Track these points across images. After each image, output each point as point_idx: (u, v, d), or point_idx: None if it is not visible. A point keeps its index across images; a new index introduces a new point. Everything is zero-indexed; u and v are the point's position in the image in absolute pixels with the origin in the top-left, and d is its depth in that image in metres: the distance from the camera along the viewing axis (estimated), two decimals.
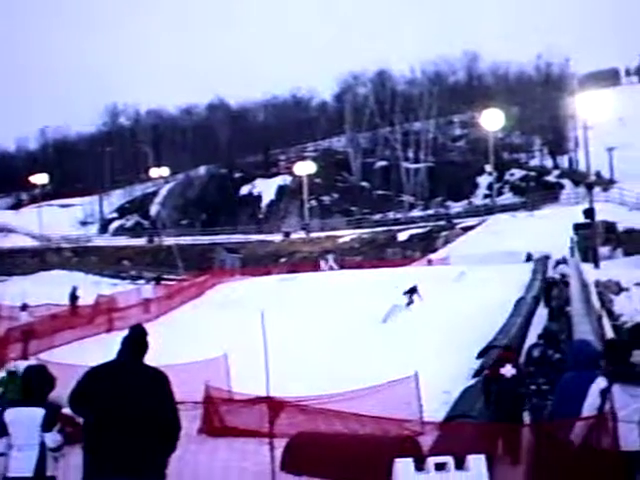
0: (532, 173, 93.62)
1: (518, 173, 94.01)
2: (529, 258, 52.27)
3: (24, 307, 33.14)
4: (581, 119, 58.17)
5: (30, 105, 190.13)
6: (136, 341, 7.33)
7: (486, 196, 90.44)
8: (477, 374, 18.53)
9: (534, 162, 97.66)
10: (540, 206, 76.51)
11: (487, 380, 14.45)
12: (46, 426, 7.72)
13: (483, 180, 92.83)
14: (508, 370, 13.53)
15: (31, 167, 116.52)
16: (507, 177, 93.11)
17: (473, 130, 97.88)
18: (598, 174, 75.08)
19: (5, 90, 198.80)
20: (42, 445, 7.73)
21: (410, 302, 35.01)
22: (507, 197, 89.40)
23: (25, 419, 7.85)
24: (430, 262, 59.61)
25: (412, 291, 35.80)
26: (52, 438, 7.64)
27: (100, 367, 7.28)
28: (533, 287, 36.28)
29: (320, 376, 21.16)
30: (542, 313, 29.14)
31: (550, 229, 56.82)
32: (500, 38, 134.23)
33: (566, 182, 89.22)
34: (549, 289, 32.02)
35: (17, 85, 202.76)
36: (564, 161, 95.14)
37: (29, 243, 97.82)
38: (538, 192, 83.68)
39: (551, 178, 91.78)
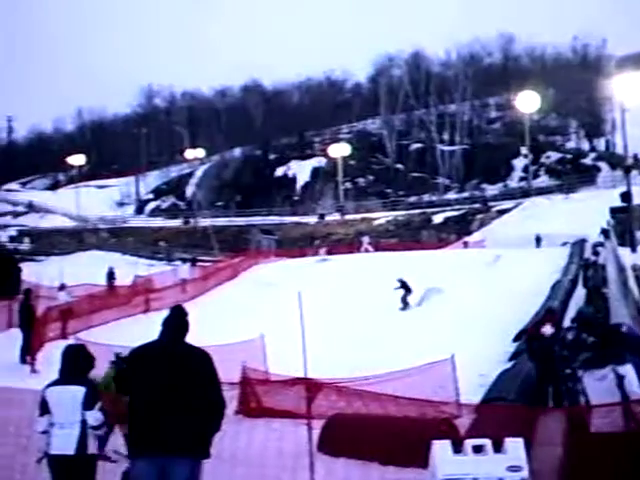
0: (568, 156, 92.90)
1: (554, 156, 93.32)
2: (538, 241, 52.62)
3: (62, 287, 33.40)
4: (618, 101, 57.62)
5: (67, 87, 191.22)
6: (177, 321, 7.40)
7: (522, 179, 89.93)
8: (513, 357, 18.52)
9: (570, 145, 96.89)
10: (576, 189, 76.00)
11: (529, 338, 16.14)
12: (87, 404, 7.80)
13: (519, 163, 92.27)
14: (548, 329, 14.74)
15: (68, 148, 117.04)
16: (543, 160, 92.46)
17: (509, 112, 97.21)
18: (635, 157, 74.31)
19: (42, 72, 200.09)
20: (83, 423, 7.81)
21: (405, 305, 32.97)
22: (543, 180, 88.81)
23: (67, 397, 7.94)
24: (466, 245, 59.41)
25: (405, 288, 33.33)
26: (94, 416, 7.72)
27: (143, 347, 7.35)
28: (570, 270, 36.11)
29: (356, 358, 21.24)
30: (580, 295, 29.04)
31: (586, 212, 56.44)
32: (536, 19, 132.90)
33: (603, 165, 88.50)
34: (586, 270, 32.10)
35: (54, 66, 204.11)
36: (601, 144, 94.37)
37: (66, 224, 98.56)
38: (574, 175, 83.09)
39: (587, 161, 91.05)
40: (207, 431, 7.12)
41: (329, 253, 55.83)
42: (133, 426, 7.07)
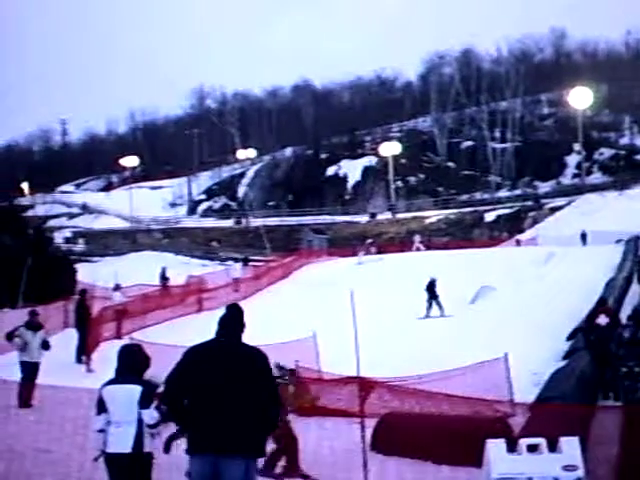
0: (622, 152, 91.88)
1: (607, 152, 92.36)
2: (584, 237, 52.24)
3: (117, 287, 33.76)
4: None
5: (119, 89, 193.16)
6: (234, 320, 7.43)
7: (575, 176, 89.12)
8: (567, 356, 18.37)
9: (624, 141, 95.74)
10: (630, 186, 75.05)
11: (586, 331, 16.96)
12: (144, 403, 7.87)
13: (572, 159, 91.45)
14: (602, 319, 15.60)
15: (121, 150, 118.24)
16: (596, 156, 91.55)
17: (561, 109, 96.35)
18: None
19: (94, 74, 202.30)
20: (140, 422, 7.88)
21: (430, 305, 31.26)
22: (596, 176, 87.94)
23: (123, 396, 8.01)
24: (519, 243, 59.02)
25: (432, 290, 31.66)
26: (150, 415, 7.77)
27: (200, 346, 7.40)
28: (624, 268, 35.72)
29: (408, 356, 21.19)
30: (634, 292, 28.74)
31: None
32: (588, 14, 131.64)
33: None
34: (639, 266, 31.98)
35: (106, 69, 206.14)
36: None
37: (120, 225, 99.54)
38: (628, 171, 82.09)
39: None
40: (261, 430, 7.15)
41: (380, 252, 55.76)
42: (190, 424, 7.13)
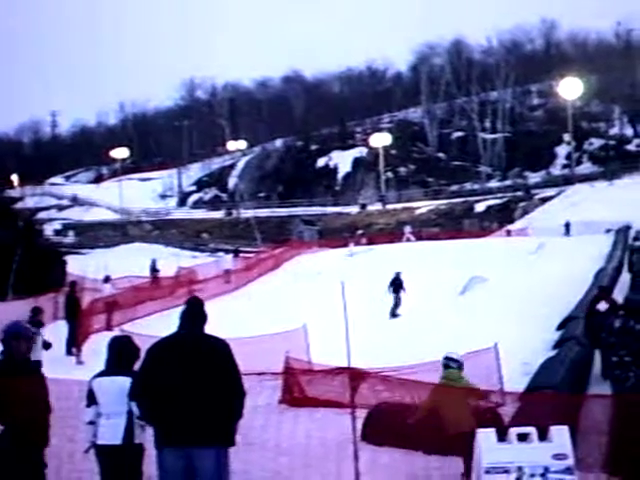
0: (611, 142, 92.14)
1: (597, 142, 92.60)
2: (567, 227, 52.37)
3: (107, 279, 33.73)
4: None
5: (109, 81, 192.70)
6: (194, 313, 7.46)
7: (565, 166, 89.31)
8: (557, 345, 18.42)
9: (613, 131, 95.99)
10: (620, 176, 75.24)
11: (587, 316, 17.72)
12: (133, 394, 7.87)
13: (561, 150, 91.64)
14: (602, 305, 16.54)
15: (111, 142, 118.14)
16: (586, 146, 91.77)
17: (551, 99, 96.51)
18: None
19: (84, 66, 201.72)
20: (130, 413, 7.88)
21: (397, 304, 29.83)
22: (586, 167, 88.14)
23: (113, 388, 8.02)
24: (509, 233, 59.12)
25: (397, 284, 30.30)
26: None
27: (163, 340, 7.44)
28: (614, 258, 35.81)
29: (399, 347, 21.22)
30: (624, 282, 28.84)
31: (630, 199, 55.86)
32: (578, 5, 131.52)
33: None
34: (631, 255, 32.17)
35: (96, 61, 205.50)
36: None
37: (110, 216, 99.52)
38: (618, 161, 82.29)
39: (631, 147, 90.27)
40: (229, 419, 7.18)
41: (370, 243, 55.76)
42: (157, 417, 7.15)
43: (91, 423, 8.16)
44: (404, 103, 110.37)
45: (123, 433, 7.89)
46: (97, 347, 15.09)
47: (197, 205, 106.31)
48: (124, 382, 7.92)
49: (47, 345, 17.16)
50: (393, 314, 29.21)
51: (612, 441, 10.04)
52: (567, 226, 53.27)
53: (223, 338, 7.44)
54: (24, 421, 6.71)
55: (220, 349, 7.26)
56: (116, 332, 19.97)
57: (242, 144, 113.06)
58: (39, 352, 16.92)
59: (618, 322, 13.33)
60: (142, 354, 8.44)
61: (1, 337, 7.05)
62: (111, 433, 7.93)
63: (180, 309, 7.63)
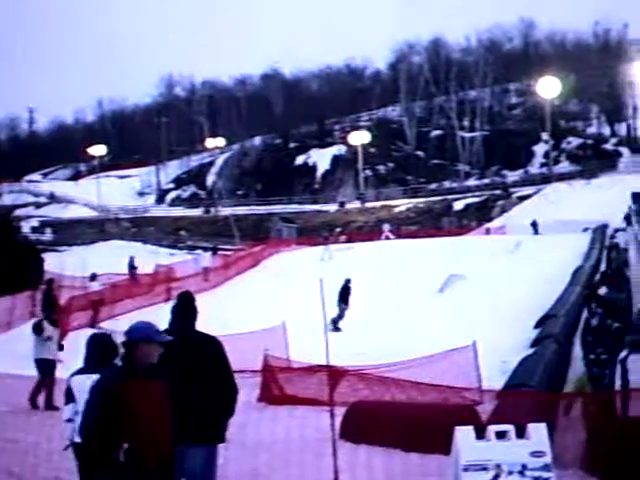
0: (589, 141, 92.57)
1: (575, 141, 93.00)
2: (534, 226, 52.56)
3: (93, 277, 33.59)
4: (639, 86, 57.26)
5: (87, 77, 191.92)
6: (185, 309, 7.42)
7: (542, 165, 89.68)
8: (535, 343, 18.51)
9: (591, 130, 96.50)
10: (597, 174, 75.67)
11: (587, 299, 18.34)
12: None
13: (539, 149, 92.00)
14: (603, 290, 17.35)
15: (89, 138, 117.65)
16: (564, 145, 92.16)
17: (529, 98, 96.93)
18: None
19: (62, 62, 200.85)
20: None
21: (340, 317, 26.92)
22: (564, 166, 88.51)
23: (89, 386, 8.00)
24: (489, 231, 59.33)
25: (344, 294, 27.61)
26: None
27: None
28: (591, 256, 36.02)
29: (377, 345, 21.26)
30: None
31: (608, 198, 56.21)
32: (557, 4, 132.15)
33: (624, 150, 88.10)
34: (609, 253, 32.42)
35: (74, 57, 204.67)
36: (622, 129, 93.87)
37: (88, 214, 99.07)
38: (595, 160, 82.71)
39: (609, 146, 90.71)
40: (221, 416, 7.16)
41: (349, 241, 55.81)
42: None
43: (69, 421, 8.14)
44: (383, 101, 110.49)
45: None
46: (76, 345, 15.01)
47: (175, 202, 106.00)
48: None
49: (61, 346, 16.97)
50: (334, 326, 25.63)
51: (589, 439, 10.10)
52: (534, 225, 53.36)
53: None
54: (153, 437, 6.00)
55: (212, 346, 7.25)
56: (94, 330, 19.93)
57: (221, 142, 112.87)
58: (56, 349, 16.72)
59: (595, 320, 13.43)
60: (120, 352, 8.43)
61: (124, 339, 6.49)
62: None
63: (159, 306, 7.61)
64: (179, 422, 6.82)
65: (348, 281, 28.13)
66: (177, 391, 6.92)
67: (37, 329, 16.80)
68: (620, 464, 9.19)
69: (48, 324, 17.01)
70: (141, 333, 6.19)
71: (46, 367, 16.00)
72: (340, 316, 26.76)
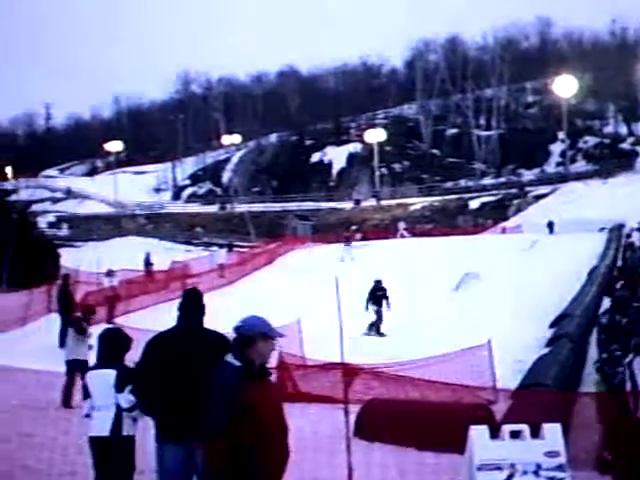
0: (606, 140, 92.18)
1: (592, 140, 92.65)
2: (550, 227, 52.30)
3: (109, 273, 33.67)
4: None
5: (104, 74, 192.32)
6: (192, 305, 7.38)
7: (559, 164, 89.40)
8: (550, 343, 18.45)
9: (608, 129, 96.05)
10: (614, 174, 75.37)
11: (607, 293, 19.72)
12: (118, 387, 7.88)
13: (556, 148, 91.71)
14: (620, 284, 18.22)
15: (106, 135, 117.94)
16: (580, 144, 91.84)
17: (546, 97, 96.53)
18: None
19: (79, 59, 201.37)
20: (118, 405, 7.91)
21: (379, 320, 25.64)
22: (580, 165, 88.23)
23: (100, 381, 8.06)
24: (504, 230, 59.17)
25: (379, 294, 26.39)
26: (125, 398, 7.78)
27: (160, 335, 7.37)
28: (607, 256, 35.89)
29: (393, 343, 21.26)
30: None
31: (624, 197, 55.99)
32: (574, 2, 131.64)
33: None
34: (624, 251, 32.35)
35: (91, 54, 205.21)
36: (639, 128, 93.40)
37: (104, 210, 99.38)
38: (612, 160, 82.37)
39: (625, 145, 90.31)
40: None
41: (364, 239, 55.80)
42: (158, 412, 7.13)
43: (87, 416, 8.21)
44: (399, 99, 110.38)
45: (111, 425, 7.91)
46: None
47: (191, 199, 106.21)
48: (110, 374, 7.97)
49: (90, 346, 16.78)
50: (377, 331, 25.28)
51: (603, 439, 10.08)
52: (550, 226, 53.12)
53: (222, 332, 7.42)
54: (279, 442, 5.78)
55: (220, 343, 7.23)
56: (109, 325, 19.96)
57: (237, 138, 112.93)
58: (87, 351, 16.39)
59: (605, 319, 13.37)
60: (134, 347, 8.46)
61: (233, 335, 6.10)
62: (101, 425, 7.98)
63: (174, 303, 7.59)
64: (189, 419, 6.84)
65: (379, 282, 26.85)
66: (185, 388, 6.93)
67: (80, 329, 16.47)
68: (634, 465, 9.17)
69: (87, 324, 16.84)
70: (259, 328, 5.84)
71: (79, 367, 15.57)
72: (379, 319, 25.58)
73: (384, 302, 26.08)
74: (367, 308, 25.90)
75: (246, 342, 5.69)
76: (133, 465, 8.14)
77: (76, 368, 15.57)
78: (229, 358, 5.77)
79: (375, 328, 25.21)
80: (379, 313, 25.83)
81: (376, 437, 11.71)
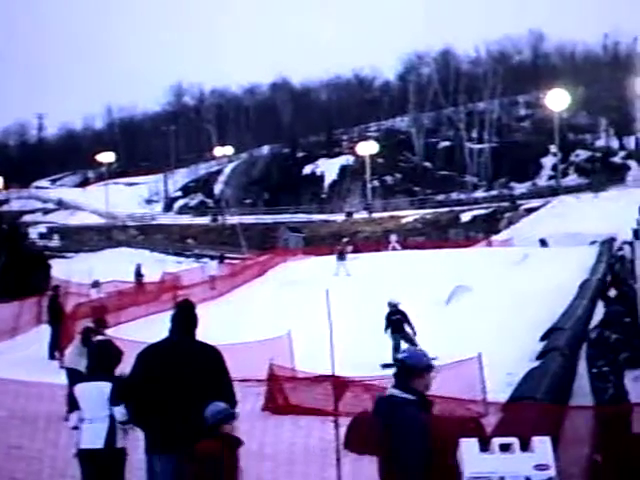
0: (598, 154, 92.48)
1: (583, 154, 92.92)
2: (543, 243, 52.37)
3: (95, 284, 33.59)
4: None
5: (96, 84, 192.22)
6: (185, 317, 7.38)
7: (550, 177, 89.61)
8: (541, 356, 18.46)
9: (600, 143, 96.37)
10: (605, 188, 75.48)
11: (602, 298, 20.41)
12: (113, 399, 7.87)
13: (548, 161, 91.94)
14: (612, 292, 19.26)
15: (98, 146, 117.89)
16: (572, 158, 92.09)
17: (538, 110, 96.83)
18: None
19: (71, 69, 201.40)
20: (111, 418, 7.89)
21: (397, 346, 21.47)
22: (572, 178, 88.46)
23: (94, 393, 8.04)
24: (490, 244, 59.20)
25: (396, 319, 22.76)
26: (120, 411, 7.78)
27: (153, 346, 7.37)
28: (598, 269, 35.92)
29: (383, 356, 21.23)
30: (609, 293, 28.91)
31: (616, 211, 56.08)
32: (566, 17, 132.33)
33: (632, 163, 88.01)
34: (613, 264, 32.44)
35: (83, 64, 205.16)
36: (630, 142, 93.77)
37: (95, 221, 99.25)
38: (604, 173, 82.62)
39: (617, 159, 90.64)
40: None
41: (356, 251, 55.80)
42: (148, 424, 7.11)
43: (75, 428, 8.18)
44: (391, 112, 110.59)
45: (105, 437, 7.90)
46: None
47: (183, 211, 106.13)
48: (104, 387, 7.95)
49: None
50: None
51: (593, 452, 10.09)
52: (543, 242, 53.21)
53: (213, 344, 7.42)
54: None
55: (212, 356, 7.23)
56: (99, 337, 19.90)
57: (229, 150, 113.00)
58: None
59: (594, 333, 13.39)
60: (125, 359, 8.45)
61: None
62: (93, 437, 7.96)
63: (165, 314, 7.60)
64: (179, 431, 6.83)
65: (394, 306, 23.30)
66: (176, 400, 6.92)
67: (86, 341, 16.06)
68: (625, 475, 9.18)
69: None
70: (426, 361, 6.09)
71: (76, 378, 15.60)
72: (396, 349, 21.51)
73: (406, 327, 22.66)
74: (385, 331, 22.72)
75: (413, 374, 5.93)
76: (123, 477, 8.13)
77: (77, 378, 15.49)
78: (394, 391, 5.91)
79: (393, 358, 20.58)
80: (404, 340, 22.05)
81: (366, 450, 11.69)
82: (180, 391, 6.95)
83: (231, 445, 6.87)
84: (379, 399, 6.16)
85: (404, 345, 21.06)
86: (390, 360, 20.32)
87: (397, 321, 22.72)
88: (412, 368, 5.87)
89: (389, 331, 22.53)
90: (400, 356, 6.05)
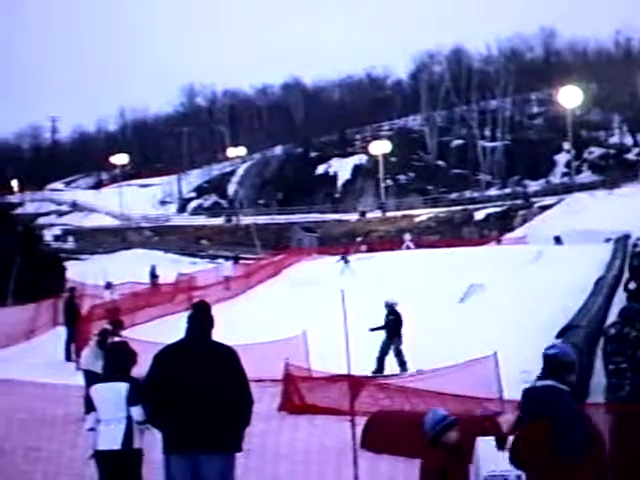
0: (611, 151, 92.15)
1: (597, 151, 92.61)
2: (558, 241, 52.05)
3: (108, 286, 33.66)
4: None
5: (109, 87, 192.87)
6: (201, 318, 7.42)
7: (564, 174, 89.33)
8: None
9: (613, 140, 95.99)
10: (620, 184, 75.16)
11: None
12: (132, 400, 7.90)
13: (561, 158, 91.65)
14: (632, 285, 17.25)
15: (111, 148, 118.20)
16: (586, 155, 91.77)
17: (551, 108, 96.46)
18: None
19: (85, 72, 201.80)
20: (129, 419, 7.92)
21: (398, 354, 20.67)
22: (586, 175, 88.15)
23: (111, 394, 8.06)
24: (499, 242, 59.04)
25: (391, 318, 21.69)
26: (138, 412, 7.80)
27: (170, 346, 7.41)
28: (613, 266, 35.80)
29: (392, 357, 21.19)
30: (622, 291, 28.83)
31: (630, 208, 55.87)
32: (578, 13, 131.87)
33: None
34: (631, 260, 32.29)
35: (96, 67, 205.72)
36: None
37: (110, 222, 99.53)
38: (617, 170, 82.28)
39: (631, 156, 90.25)
40: (237, 426, 7.18)
41: (370, 250, 55.72)
42: (165, 424, 7.15)
43: (91, 430, 8.21)
44: (404, 111, 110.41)
45: (122, 438, 7.92)
46: None
47: (197, 211, 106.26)
48: (122, 388, 7.97)
49: None
50: (402, 367, 20.43)
51: (609, 450, 10.04)
52: (558, 240, 52.98)
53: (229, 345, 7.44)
54: None
55: (228, 356, 7.26)
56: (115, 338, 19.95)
57: (242, 151, 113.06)
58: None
59: (613, 329, 13.35)
60: (140, 360, 8.47)
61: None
62: (110, 438, 7.97)
63: (180, 315, 7.63)
64: (196, 431, 6.86)
65: (390, 306, 22.26)
66: (193, 400, 6.96)
67: (103, 343, 15.99)
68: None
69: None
70: (573, 356, 6.69)
71: (92, 380, 15.54)
72: (398, 353, 20.95)
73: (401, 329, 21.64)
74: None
75: (566, 368, 6.44)
76: (140, 478, 8.15)
77: (89, 379, 15.54)
78: (551, 382, 6.44)
79: (398, 362, 20.76)
80: (397, 343, 21.30)
81: (383, 449, 11.69)
82: (197, 391, 6.98)
83: (459, 456, 7.28)
84: (531, 389, 6.73)
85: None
86: (390, 360, 20.69)
87: (393, 321, 21.75)
88: (563, 362, 6.37)
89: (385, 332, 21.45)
90: (551, 352, 6.57)
